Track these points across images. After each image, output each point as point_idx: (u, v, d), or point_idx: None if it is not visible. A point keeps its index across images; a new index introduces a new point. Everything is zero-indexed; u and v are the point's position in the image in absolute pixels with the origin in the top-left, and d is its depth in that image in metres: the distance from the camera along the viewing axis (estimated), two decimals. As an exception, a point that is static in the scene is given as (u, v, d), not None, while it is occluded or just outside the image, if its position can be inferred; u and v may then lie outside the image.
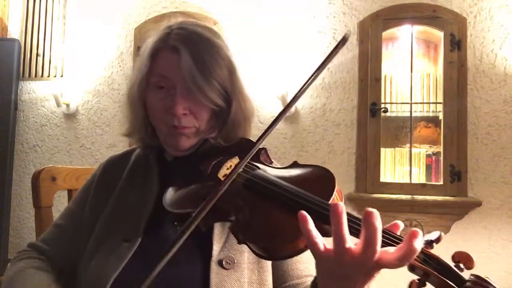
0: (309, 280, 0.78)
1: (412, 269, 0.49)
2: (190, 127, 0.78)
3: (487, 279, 0.47)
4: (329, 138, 2.60)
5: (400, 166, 2.60)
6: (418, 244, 0.45)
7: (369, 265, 0.47)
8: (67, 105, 2.91)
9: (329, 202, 0.57)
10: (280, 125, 2.64)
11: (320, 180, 0.63)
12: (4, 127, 2.91)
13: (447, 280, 0.47)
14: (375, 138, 2.50)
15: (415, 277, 0.50)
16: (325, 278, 0.53)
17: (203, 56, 0.75)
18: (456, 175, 2.39)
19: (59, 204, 2.54)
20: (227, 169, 0.74)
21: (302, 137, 2.63)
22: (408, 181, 2.52)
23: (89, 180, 0.90)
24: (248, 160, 0.61)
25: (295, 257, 0.77)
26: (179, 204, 0.71)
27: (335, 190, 0.59)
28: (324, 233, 0.55)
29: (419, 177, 2.56)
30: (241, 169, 0.61)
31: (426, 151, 2.58)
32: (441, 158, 2.45)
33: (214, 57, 0.77)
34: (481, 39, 2.45)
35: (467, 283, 0.47)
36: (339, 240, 0.47)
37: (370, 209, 0.47)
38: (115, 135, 2.88)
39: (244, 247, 0.74)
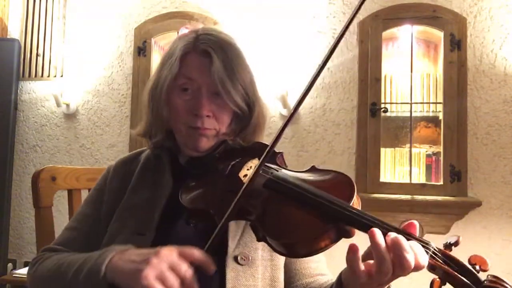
0: (320, 279, 0.81)
1: (433, 269, 0.53)
2: (211, 129, 0.82)
3: (503, 279, 0.50)
4: (329, 138, 2.60)
5: (400, 166, 2.60)
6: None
7: (387, 278, 0.55)
8: (67, 105, 2.90)
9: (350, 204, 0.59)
10: (280, 125, 2.63)
11: (340, 184, 0.65)
12: (4, 127, 2.90)
13: (465, 280, 0.50)
14: (375, 138, 2.50)
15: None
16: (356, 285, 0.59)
17: (231, 62, 0.81)
18: (456, 175, 2.38)
19: (59, 204, 2.54)
20: (247, 169, 0.76)
21: (302, 137, 2.63)
22: (408, 181, 2.51)
23: (99, 182, 0.92)
24: (267, 158, 0.63)
25: (308, 257, 0.80)
26: (197, 201, 0.73)
27: (355, 194, 0.60)
28: (343, 234, 0.58)
29: (419, 177, 2.55)
30: (261, 170, 0.63)
31: (426, 151, 2.58)
32: (441, 158, 2.44)
33: (240, 64, 0.83)
34: (481, 39, 2.45)
35: (485, 282, 0.50)
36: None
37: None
38: (115, 135, 2.88)
39: (258, 245, 0.77)
